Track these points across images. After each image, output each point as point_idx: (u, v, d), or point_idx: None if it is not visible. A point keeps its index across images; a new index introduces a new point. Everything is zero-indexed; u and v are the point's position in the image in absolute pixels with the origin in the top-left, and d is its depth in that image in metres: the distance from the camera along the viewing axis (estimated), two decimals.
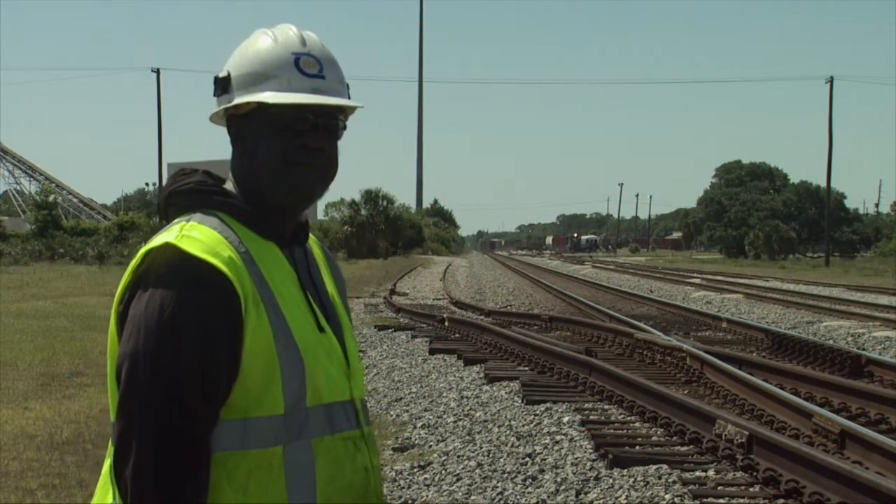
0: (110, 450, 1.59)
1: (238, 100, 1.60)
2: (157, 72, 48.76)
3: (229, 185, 1.65)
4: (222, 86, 1.64)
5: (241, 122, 1.62)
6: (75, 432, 7.09)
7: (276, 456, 1.51)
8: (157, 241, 1.54)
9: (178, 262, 1.49)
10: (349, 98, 1.65)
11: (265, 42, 1.62)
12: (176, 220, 1.60)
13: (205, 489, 1.47)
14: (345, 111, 1.65)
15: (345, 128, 1.65)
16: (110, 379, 1.55)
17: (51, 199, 54.10)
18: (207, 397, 1.48)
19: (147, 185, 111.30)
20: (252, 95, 1.59)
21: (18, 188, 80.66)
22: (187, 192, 1.62)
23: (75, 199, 76.30)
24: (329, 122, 1.61)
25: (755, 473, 5.66)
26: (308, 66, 1.60)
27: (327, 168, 1.63)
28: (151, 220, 51.85)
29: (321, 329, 1.61)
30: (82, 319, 15.57)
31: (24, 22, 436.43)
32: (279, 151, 1.58)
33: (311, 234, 1.75)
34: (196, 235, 1.53)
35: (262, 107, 1.59)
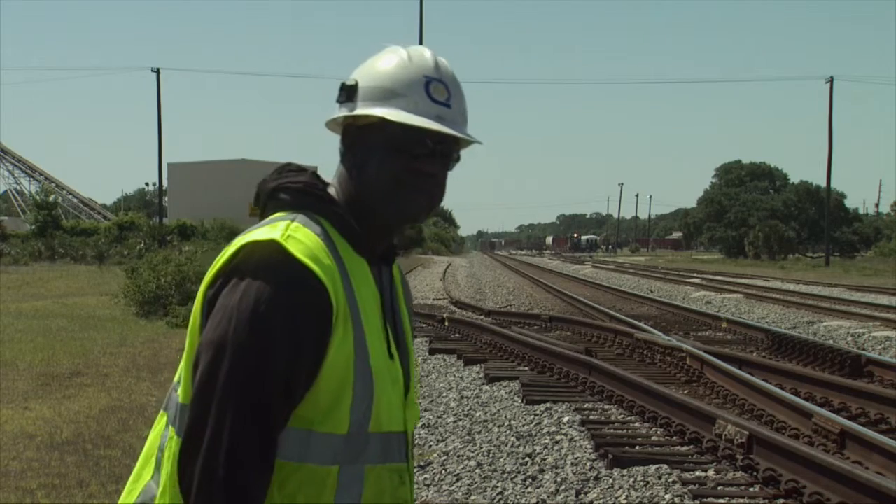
0: (158, 425, 1.59)
1: (361, 111, 1.57)
2: (157, 72, 48.71)
3: (332, 192, 1.62)
4: (348, 93, 1.60)
5: (358, 134, 1.59)
6: (75, 432, 7.09)
7: (332, 475, 1.49)
8: (261, 234, 1.51)
9: (279, 261, 1.46)
10: (467, 131, 1.62)
11: (398, 60, 1.59)
12: (278, 216, 1.56)
13: (267, 492, 1.46)
14: (461, 143, 1.62)
15: (458, 159, 1.62)
16: (186, 360, 1.53)
17: (51, 198, 54.05)
18: (286, 400, 1.45)
19: (147, 184, 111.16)
20: (376, 109, 1.56)
21: (18, 188, 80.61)
22: (297, 190, 1.59)
23: (75, 199, 76.25)
24: (445, 150, 1.58)
25: (755, 473, 5.67)
26: (437, 92, 1.57)
27: (436, 195, 1.60)
28: (151, 221, 51.83)
29: (391, 356, 1.59)
30: (82, 319, 15.57)
31: (24, 22, 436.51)
32: (392, 171, 1.55)
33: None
34: (300, 237, 1.50)
35: (382, 123, 1.55)
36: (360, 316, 1.52)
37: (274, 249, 1.48)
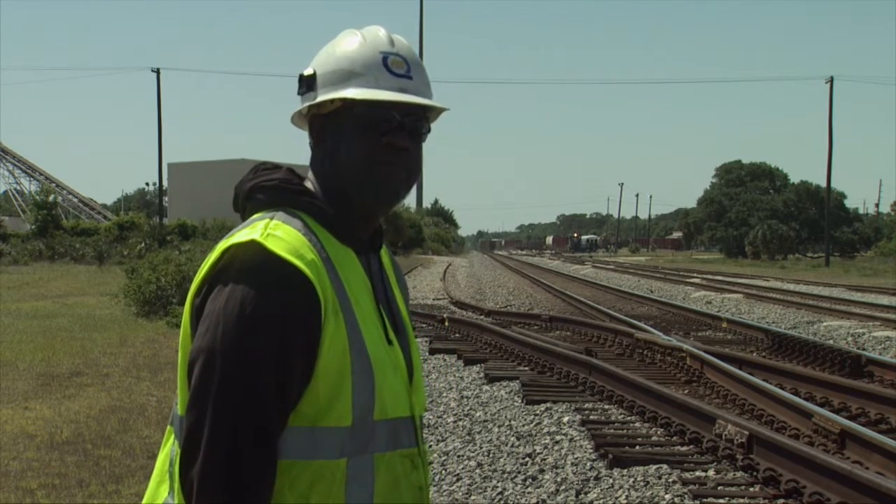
0: (168, 442, 1.58)
1: (323, 97, 1.57)
2: (157, 72, 48.71)
3: (308, 185, 1.60)
4: (307, 84, 1.59)
5: (324, 122, 1.59)
6: (75, 432, 7.09)
7: (340, 468, 1.48)
8: (241, 237, 1.50)
9: (261, 261, 1.45)
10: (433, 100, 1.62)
11: (354, 41, 1.59)
12: (257, 217, 1.55)
13: (271, 494, 1.44)
14: (429, 114, 1.62)
15: (429, 130, 1.62)
16: (181, 373, 1.52)
17: (51, 198, 53.99)
18: (281, 400, 1.44)
19: (147, 184, 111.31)
20: (338, 92, 1.55)
21: (18, 188, 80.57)
22: (272, 188, 1.58)
23: (75, 199, 76.21)
24: (414, 124, 1.57)
25: (755, 473, 5.66)
26: (396, 65, 1.57)
27: (412, 169, 1.59)
28: (151, 221, 51.80)
29: (389, 342, 1.57)
30: (82, 319, 15.57)
31: (24, 22, 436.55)
32: (364, 151, 1.54)
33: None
34: (280, 235, 1.48)
35: (346, 106, 1.55)
36: (351, 306, 1.51)
37: (255, 250, 1.46)
